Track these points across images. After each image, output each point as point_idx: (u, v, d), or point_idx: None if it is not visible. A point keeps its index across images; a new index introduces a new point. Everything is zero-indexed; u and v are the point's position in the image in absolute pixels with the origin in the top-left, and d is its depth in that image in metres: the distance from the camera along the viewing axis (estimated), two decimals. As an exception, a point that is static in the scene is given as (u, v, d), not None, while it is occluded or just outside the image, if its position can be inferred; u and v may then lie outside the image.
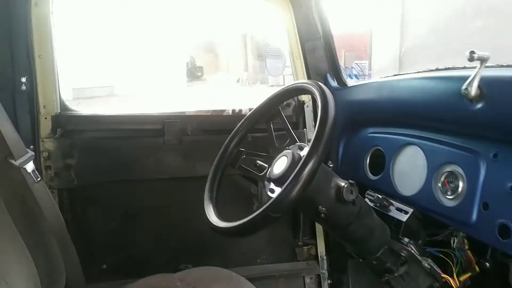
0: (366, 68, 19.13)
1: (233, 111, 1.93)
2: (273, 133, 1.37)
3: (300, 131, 1.92)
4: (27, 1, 1.56)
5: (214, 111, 1.93)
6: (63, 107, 1.73)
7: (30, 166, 1.21)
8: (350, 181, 1.22)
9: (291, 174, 1.08)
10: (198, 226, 1.34)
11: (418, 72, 1.49)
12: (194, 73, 17.59)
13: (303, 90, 1.31)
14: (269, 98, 1.43)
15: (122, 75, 14.00)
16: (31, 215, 1.23)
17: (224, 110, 1.93)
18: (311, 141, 1.06)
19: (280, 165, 1.20)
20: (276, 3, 1.85)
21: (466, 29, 7.34)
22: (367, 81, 1.78)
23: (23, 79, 1.59)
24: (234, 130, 1.44)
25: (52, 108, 1.69)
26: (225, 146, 1.41)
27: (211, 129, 1.84)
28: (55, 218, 1.30)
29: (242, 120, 1.45)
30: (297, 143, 1.28)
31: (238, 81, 15.77)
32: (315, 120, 1.94)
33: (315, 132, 1.07)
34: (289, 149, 1.27)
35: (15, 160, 1.15)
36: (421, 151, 1.34)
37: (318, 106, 1.14)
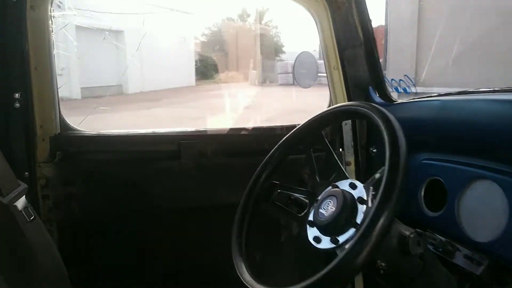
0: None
1: (254, 128, 1.71)
2: (315, 163, 1.14)
3: (336, 152, 1.68)
4: (21, 3, 1.35)
5: (231, 129, 1.70)
6: (63, 126, 1.52)
7: (21, 202, 1.01)
8: (417, 230, 0.98)
9: (343, 222, 0.92)
10: (218, 262, 1.17)
11: (495, 91, 1.23)
12: (204, 72, 17.42)
13: (357, 115, 1.07)
14: (310, 121, 1.19)
15: (130, 74, 13.91)
16: (22, 260, 1.02)
17: (242, 128, 1.70)
18: (381, 189, 0.83)
19: (327, 207, 0.98)
20: (310, 3, 1.60)
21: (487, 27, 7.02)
22: (421, 98, 1.53)
23: (17, 95, 1.38)
24: (266, 159, 1.20)
25: (51, 128, 1.48)
26: (255, 178, 1.18)
27: (233, 150, 1.65)
28: (52, 262, 1.10)
29: (276, 147, 1.22)
30: (348, 180, 1.04)
31: (264, 81, 15.49)
32: (354, 140, 1.71)
33: (385, 177, 0.84)
34: (337, 186, 1.03)
35: (3, 196, 0.95)
36: (500, 188, 1.09)
37: (384, 141, 0.90)
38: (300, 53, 1.85)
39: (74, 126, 1.56)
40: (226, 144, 1.65)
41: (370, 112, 0.99)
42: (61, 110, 1.53)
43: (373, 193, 0.94)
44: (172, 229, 1.63)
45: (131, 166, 1.57)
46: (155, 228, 1.62)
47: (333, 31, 1.61)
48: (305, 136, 1.20)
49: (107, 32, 1.99)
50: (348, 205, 0.94)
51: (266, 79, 16.65)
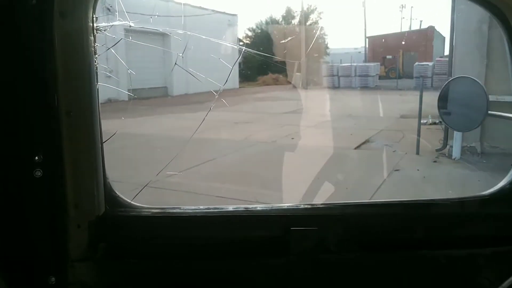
0: (429, 70, 17.85)
1: (399, 204, 1.11)
2: None
3: None
4: (45, 6, 0.87)
5: (364, 204, 1.11)
6: (111, 202, 1.01)
7: None
8: None
9: None
10: None
11: None
12: (247, 74, 17.35)
13: None
14: None
15: (175, 77, 14.13)
16: None
17: (382, 203, 1.13)
18: None
19: None
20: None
21: None
22: None
23: (37, 158, 0.90)
24: None
25: (91, 207, 0.98)
26: None
27: (372, 239, 1.06)
28: None
29: None
30: None
31: (308, 83, 14.91)
32: None
33: None
34: None
35: None
36: None
37: None
38: (453, 79, 1.28)
39: (127, 200, 1.03)
40: (361, 229, 1.07)
41: None
42: (107, 174, 0.99)
43: None
44: None
45: (212, 262, 1.04)
46: None
47: None
48: None
49: (181, 55, 1.64)
50: None
51: (310, 82, 16.24)
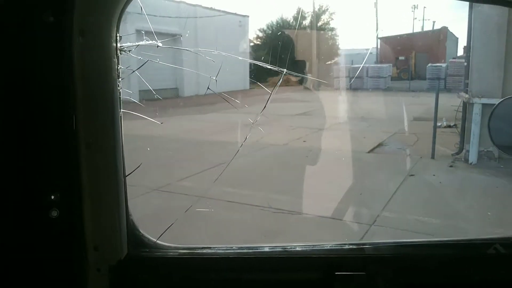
0: (442, 71, 17.54)
1: (468, 245, 0.96)
2: None
3: None
4: (63, 25, 0.77)
5: (420, 244, 0.99)
6: (134, 243, 0.91)
7: None
8: None
9: None
10: None
11: None
12: (258, 75, 17.28)
13: None
14: None
15: (186, 78, 14.19)
16: None
17: (445, 242, 0.99)
18: None
19: None
20: None
21: None
22: None
23: (54, 197, 0.81)
24: None
25: (112, 250, 0.89)
26: None
27: (430, 286, 0.95)
28: None
29: None
30: None
31: (319, 85, 14.79)
32: None
33: None
34: None
35: None
36: None
37: None
38: (509, 98, 1.12)
39: (152, 239, 0.94)
40: (415, 273, 0.94)
41: None
42: (130, 211, 0.91)
43: None
44: None
45: None
46: None
47: None
48: None
49: (214, 79, 1.54)
50: None
51: (321, 83, 16.12)
